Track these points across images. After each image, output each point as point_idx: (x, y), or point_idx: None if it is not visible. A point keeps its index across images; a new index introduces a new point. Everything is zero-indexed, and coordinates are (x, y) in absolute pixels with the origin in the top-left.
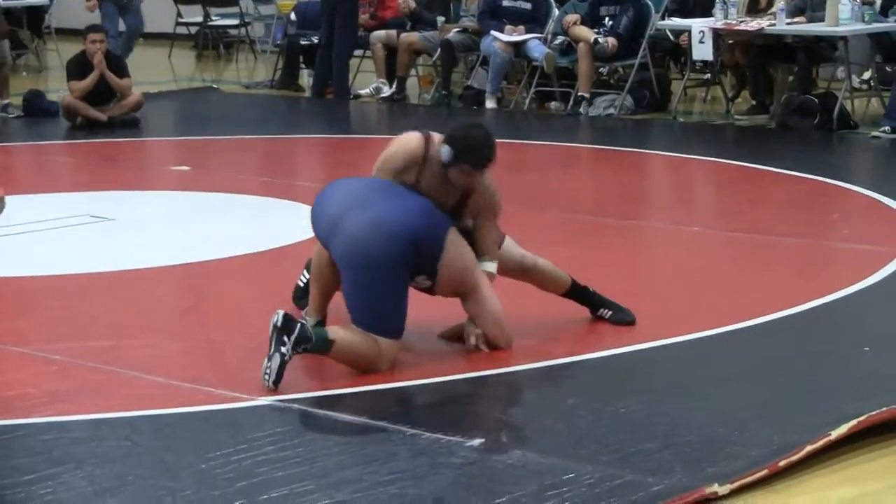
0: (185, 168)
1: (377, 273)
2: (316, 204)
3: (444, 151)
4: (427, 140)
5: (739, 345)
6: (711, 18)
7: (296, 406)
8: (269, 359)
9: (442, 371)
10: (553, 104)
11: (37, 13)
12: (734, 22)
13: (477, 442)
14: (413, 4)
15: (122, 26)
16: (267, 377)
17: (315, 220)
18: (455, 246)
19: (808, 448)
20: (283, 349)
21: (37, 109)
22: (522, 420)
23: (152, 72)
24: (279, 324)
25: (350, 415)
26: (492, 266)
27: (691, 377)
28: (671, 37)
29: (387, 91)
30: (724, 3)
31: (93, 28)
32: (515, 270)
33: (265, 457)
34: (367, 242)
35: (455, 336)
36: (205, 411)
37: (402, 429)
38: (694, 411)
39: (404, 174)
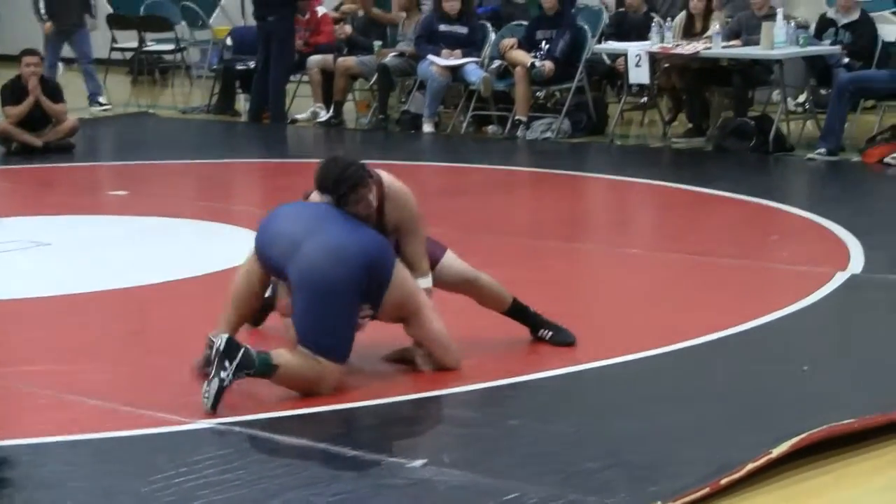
0: (123, 193)
1: (332, 298)
2: (266, 228)
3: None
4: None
5: (680, 365)
6: (648, 42)
7: (237, 429)
8: (209, 383)
9: (383, 393)
10: (491, 128)
11: None
12: (670, 45)
13: (419, 463)
14: (349, 30)
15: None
16: (206, 401)
17: (268, 244)
18: (399, 272)
19: (750, 466)
20: (224, 374)
21: None
22: (464, 441)
23: (84, 97)
24: (222, 348)
25: (291, 437)
26: (426, 282)
27: (632, 397)
28: (607, 60)
29: (324, 116)
30: (660, 26)
31: (28, 52)
32: (456, 284)
33: (206, 480)
34: (326, 267)
35: (400, 359)
36: (145, 435)
37: (343, 451)
38: (635, 431)
39: None
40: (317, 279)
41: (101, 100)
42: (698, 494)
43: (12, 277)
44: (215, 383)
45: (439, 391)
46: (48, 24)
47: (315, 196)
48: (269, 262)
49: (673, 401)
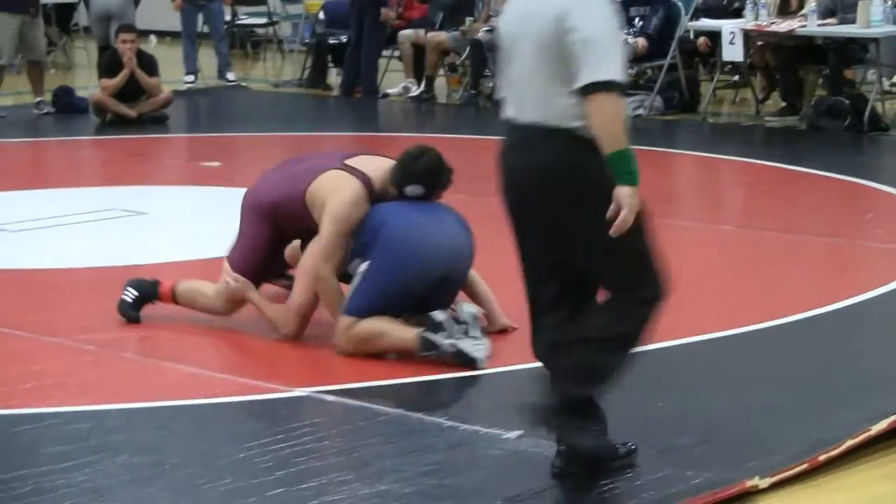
0: (216, 164)
1: None
2: (422, 245)
3: (413, 191)
4: (368, 185)
5: (773, 342)
6: (742, 20)
7: (332, 397)
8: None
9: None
10: None
11: (66, 11)
12: (765, 23)
13: (515, 434)
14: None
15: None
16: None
17: (433, 251)
18: None
19: (849, 443)
20: None
21: (66, 105)
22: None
23: (180, 70)
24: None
25: (387, 406)
26: None
27: (726, 374)
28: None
29: (415, 90)
30: (755, 4)
31: (124, 28)
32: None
33: (303, 447)
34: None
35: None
36: (240, 401)
37: (439, 421)
38: (730, 407)
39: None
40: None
41: (230, 76)
42: (796, 470)
43: (106, 246)
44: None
45: (533, 364)
46: (176, 3)
47: (377, 171)
48: (434, 269)
49: (768, 377)
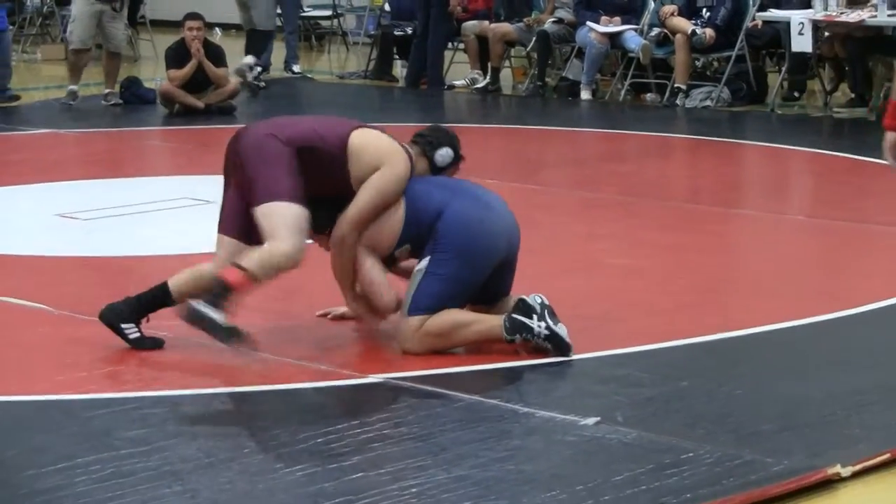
0: None
1: None
2: (494, 226)
3: (445, 154)
4: (410, 161)
5: (850, 330)
6: (811, 10)
7: (407, 384)
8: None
9: (551, 353)
10: (649, 96)
11: (133, 4)
12: (834, 13)
13: (591, 421)
14: None
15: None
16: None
17: (494, 237)
18: None
19: None
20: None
21: (134, 96)
22: (636, 400)
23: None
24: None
25: (463, 392)
26: None
27: (804, 360)
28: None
29: (482, 82)
30: None
31: (191, 16)
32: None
33: (379, 432)
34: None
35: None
36: (315, 387)
37: (514, 407)
38: (811, 394)
39: None
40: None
41: (295, 68)
42: (879, 459)
43: (175, 234)
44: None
45: (607, 351)
46: None
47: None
48: (495, 252)
49: (847, 366)
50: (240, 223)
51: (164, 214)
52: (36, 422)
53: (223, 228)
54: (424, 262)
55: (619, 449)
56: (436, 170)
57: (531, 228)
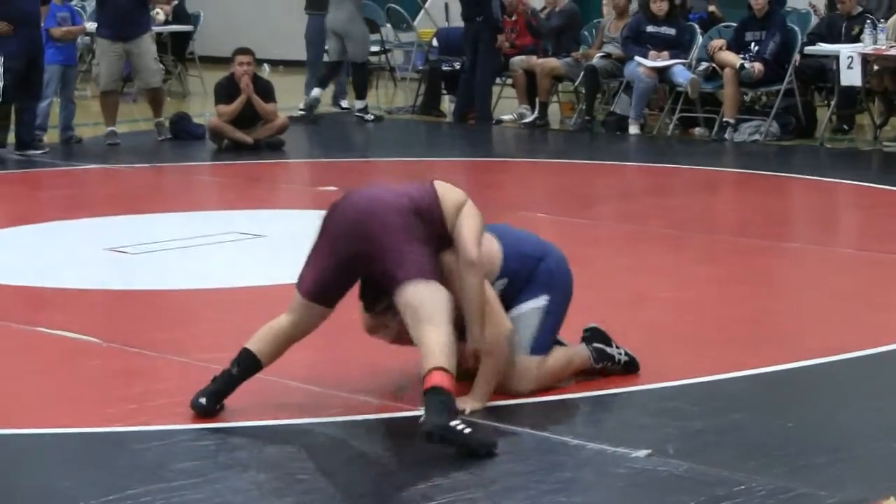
0: (333, 188)
1: None
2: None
3: None
4: None
5: None
6: (860, 44)
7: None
8: None
9: (601, 385)
10: (697, 130)
11: (181, 40)
12: (883, 47)
13: (643, 453)
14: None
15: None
16: None
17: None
18: None
19: None
20: None
21: (183, 132)
22: (688, 433)
23: (294, 97)
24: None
25: (512, 425)
26: None
27: (856, 393)
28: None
29: (530, 117)
30: (874, 27)
31: (241, 51)
32: None
33: (430, 465)
34: None
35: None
36: (366, 419)
37: (564, 439)
38: (863, 427)
39: None
40: None
41: (343, 103)
42: None
43: (227, 267)
44: None
45: (656, 384)
46: None
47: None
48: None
49: None
50: (323, 291)
51: (212, 248)
52: (87, 454)
53: (305, 290)
54: (541, 300)
55: (670, 481)
56: None
57: (580, 262)
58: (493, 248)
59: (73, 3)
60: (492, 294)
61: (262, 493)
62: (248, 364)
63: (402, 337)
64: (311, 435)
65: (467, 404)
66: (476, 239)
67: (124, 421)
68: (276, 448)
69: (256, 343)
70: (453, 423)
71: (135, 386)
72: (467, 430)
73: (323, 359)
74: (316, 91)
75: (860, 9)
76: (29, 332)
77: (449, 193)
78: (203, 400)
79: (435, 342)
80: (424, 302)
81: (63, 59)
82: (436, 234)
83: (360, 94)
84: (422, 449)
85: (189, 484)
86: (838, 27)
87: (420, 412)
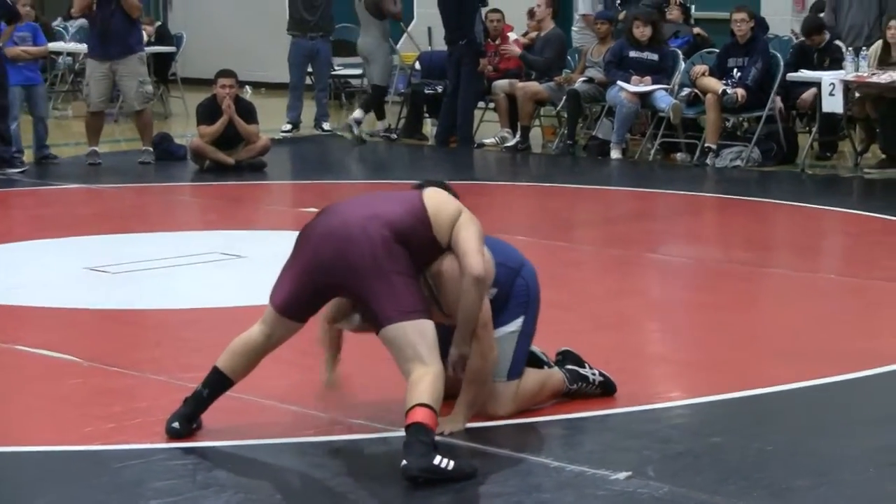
0: (313, 210)
1: None
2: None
3: None
4: None
5: (883, 388)
6: (841, 71)
7: (437, 438)
8: None
9: (580, 407)
10: (679, 155)
11: (163, 61)
12: (865, 74)
13: (623, 475)
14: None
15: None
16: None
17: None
18: None
19: None
20: None
21: (164, 152)
22: (668, 455)
23: (275, 119)
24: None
25: (492, 447)
26: None
27: (837, 418)
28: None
29: (511, 140)
30: (856, 55)
31: (223, 73)
32: None
33: (409, 486)
34: None
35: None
36: (345, 440)
37: (544, 461)
38: (845, 451)
39: None
40: None
41: (325, 125)
42: None
43: (207, 287)
44: None
45: (636, 407)
46: None
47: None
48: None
49: (884, 422)
50: (296, 308)
51: (194, 269)
52: (65, 472)
53: (277, 305)
54: (517, 323)
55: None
56: None
57: (561, 285)
58: (488, 256)
59: (55, 22)
60: (486, 316)
61: None
62: (217, 384)
63: (366, 328)
64: (288, 455)
65: (447, 426)
66: (479, 250)
67: (103, 439)
68: (254, 468)
69: (227, 360)
70: (436, 461)
71: (114, 405)
72: (450, 466)
73: (302, 379)
74: (358, 113)
75: (827, 37)
76: (8, 351)
77: (441, 207)
78: (176, 424)
79: (421, 377)
80: (410, 342)
81: (24, 80)
82: (423, 251)
83: (379, 115)
84: (392, 472)
85: (168, 502)
86: (810, 56)
87: (399, 433)
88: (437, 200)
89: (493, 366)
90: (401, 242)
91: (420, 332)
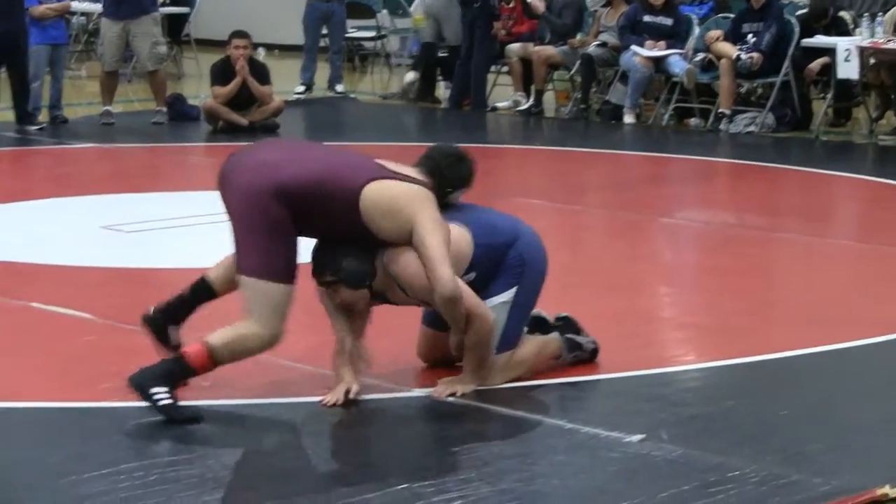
0: None
1: None
2: (539, 248)
3: (457, 196)
4: (423, 183)
5: None
6: (857, 37)
7: (451, 399)
8: None
9: (596, 369)
10: (692, 120)
11: (177, 21)
12: (881, 40)
13: (636, 438)
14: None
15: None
16: None
17: (544, 258)
18: None
19: None
20: None
21: (178, 113)
22: (682, 419)
23: (289, 81)
24: None
25: (506, 408)
26: None
27: (852, 383)
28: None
29: (525, 104)
30: (872, 21)
31: (237, 34)
32: None
33: (422, 446)
34: None
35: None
36: (359, 400)
37: (559, 423)
38: (859, 416)
39: None
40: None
41: (339, 87)
42: None
43: (221, 247)
44: None
45: (650, 370)
46: None
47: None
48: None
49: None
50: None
51: (207, 228)
52: (80, 429)
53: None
54: (509, 293)
55: (663, 466)
56: (444, 191)
57: (574, 249)
58: (462, 244)
59: None
60: (468, 291)
61: (254, 470)
62: (201, 289)
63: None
64: (302, 413)
65: (458, 387)
66: (444, 260)
67: (118, 397)
68: (270, 424)
69: (213, 270)
70: (153, 389)
71: (129, 362)
72: (162, 401)
73: (318, 341)
74: (410, 75)
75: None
76: (23, 308)
77: (388, 201)
78: (151, 309)
79: (235, 326)
80: (251, 297)
81: (49, 39)
82: (340, 222)
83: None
84: (415, 430)
85: (181, 459)
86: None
87: (413, 393)
88: (381, 197)
89: (490, 329)
90: (286, 203)
91: (264, 293)
